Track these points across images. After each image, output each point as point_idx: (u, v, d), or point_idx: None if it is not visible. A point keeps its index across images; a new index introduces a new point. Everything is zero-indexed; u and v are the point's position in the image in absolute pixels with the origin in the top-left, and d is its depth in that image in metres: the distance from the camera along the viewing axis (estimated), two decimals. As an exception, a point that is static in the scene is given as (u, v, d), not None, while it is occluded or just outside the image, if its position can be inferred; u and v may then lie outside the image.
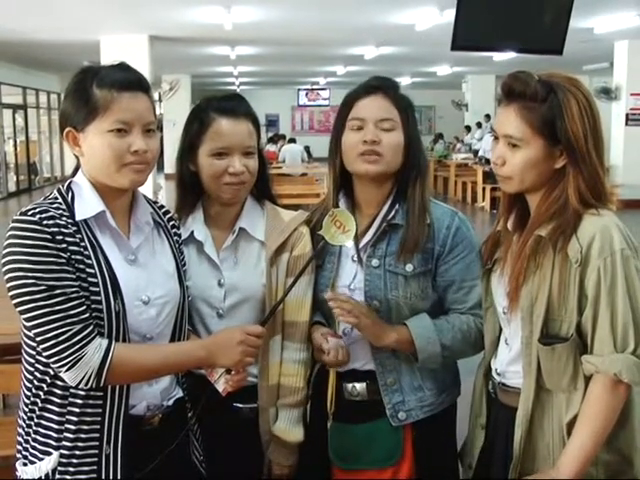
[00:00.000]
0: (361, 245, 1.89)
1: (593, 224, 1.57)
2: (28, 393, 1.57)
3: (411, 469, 1.89)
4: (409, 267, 1.85)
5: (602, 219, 1.58)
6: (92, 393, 1.53)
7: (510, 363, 1.74)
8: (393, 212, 1.87)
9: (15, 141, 17.18)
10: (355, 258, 1.90)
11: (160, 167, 12.40)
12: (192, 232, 1.87)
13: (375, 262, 1.86)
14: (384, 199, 1.89)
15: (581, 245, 1.56)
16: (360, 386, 1.90)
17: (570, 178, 1.61)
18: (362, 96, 1.86)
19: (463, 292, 1.88)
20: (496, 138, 1.68)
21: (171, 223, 1.76)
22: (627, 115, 13.13)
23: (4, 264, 1.47)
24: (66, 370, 1.47)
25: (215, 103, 1.86)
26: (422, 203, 1.86)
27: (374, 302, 1.85)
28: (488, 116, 17.78)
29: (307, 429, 1.90)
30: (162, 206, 1.77)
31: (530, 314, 1.63)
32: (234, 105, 1.85)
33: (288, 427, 1.86)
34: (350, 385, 1.91)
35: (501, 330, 1.80)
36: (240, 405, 1.86)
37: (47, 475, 1.55)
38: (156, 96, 14.77)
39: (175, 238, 1.75)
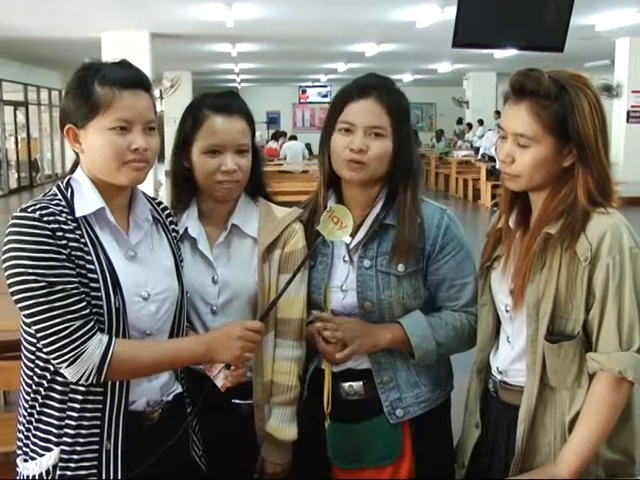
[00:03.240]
0: (352, 246, 1.87)
1: (603, 223, 1.57)
2: (28, 389, 1.57)
3: (411, 467, 1.88)
4: (401, 267, 1.83)
5: (612, 218, 1.58)
6: (92, 389, 1.53)
7: (513, 361, 1.73)
8: (384, 213, 1.85)
9: (16, 138, 17.18)
10: (346, 259, 1.88)
11: (161, 163, 12.40)
12: (186, 228, 1.87)
13: (367, 263, 1.85)
14: (372, 201, 1.87)
15: (590, 243, 1.56)
16: (357, 385, 1.89)
17: (579, 176, 1.60)
18: (355, 98, 1.82)
19: (454, 290, 1.88)
20: (503, 136, 1.66)
21: (169, 219, 1.76)
22: (628, 112, 13.13)
23: (4, 260, 1.47)
24: (67, 366, 1.48)
25: (209, 100, 1.85)
26: (413, 206, 1.83)
27: (367, 303, 1.84)
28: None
29: (304, 430, 1.88)
30: (160, 202, 1.77)
31: (536, 312, 1.63)
32: (228, 102, 1.84)
33: (281, 425, 1.85)
34: (347, 384, 1.89)
35: (498, 327, 1.80)
36: (238, 401, 1.86)
37: (48, 471, 1.55)
38: (157, 93, 14.78)
39: (173, 234, 1.75)
